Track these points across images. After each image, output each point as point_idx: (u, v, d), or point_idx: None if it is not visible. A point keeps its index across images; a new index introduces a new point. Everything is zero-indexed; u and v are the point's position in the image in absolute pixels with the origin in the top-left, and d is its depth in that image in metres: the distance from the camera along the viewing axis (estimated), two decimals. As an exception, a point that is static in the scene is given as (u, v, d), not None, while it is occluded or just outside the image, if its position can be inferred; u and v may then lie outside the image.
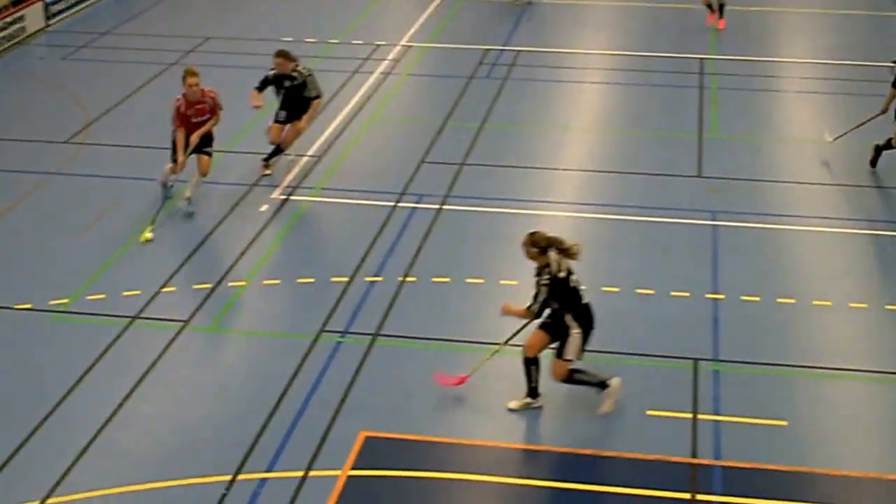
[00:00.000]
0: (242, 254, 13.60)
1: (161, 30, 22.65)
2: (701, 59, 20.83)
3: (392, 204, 14.87)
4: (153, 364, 11.36)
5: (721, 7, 22.71)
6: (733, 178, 15.75)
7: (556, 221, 14.30)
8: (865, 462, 10.02)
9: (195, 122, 14.36)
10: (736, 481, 9.70)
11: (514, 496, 9.65)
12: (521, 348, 10.49)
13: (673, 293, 12.71)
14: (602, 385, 10.43)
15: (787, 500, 9.47)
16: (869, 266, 13.57)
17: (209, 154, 14.60)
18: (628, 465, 9.89)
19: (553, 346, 10.35)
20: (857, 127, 16.36)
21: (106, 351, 11.58)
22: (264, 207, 14.79)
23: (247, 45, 21.52)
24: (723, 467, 9.86)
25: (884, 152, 15.74)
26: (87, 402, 10.75)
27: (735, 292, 12.72)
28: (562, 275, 10.04)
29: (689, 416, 10.55)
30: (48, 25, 22.85)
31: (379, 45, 21.48)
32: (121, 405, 10.68)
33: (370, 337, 11.84)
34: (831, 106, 18.72)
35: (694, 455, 10.02)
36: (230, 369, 11.55)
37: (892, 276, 13.31)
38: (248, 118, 16.61)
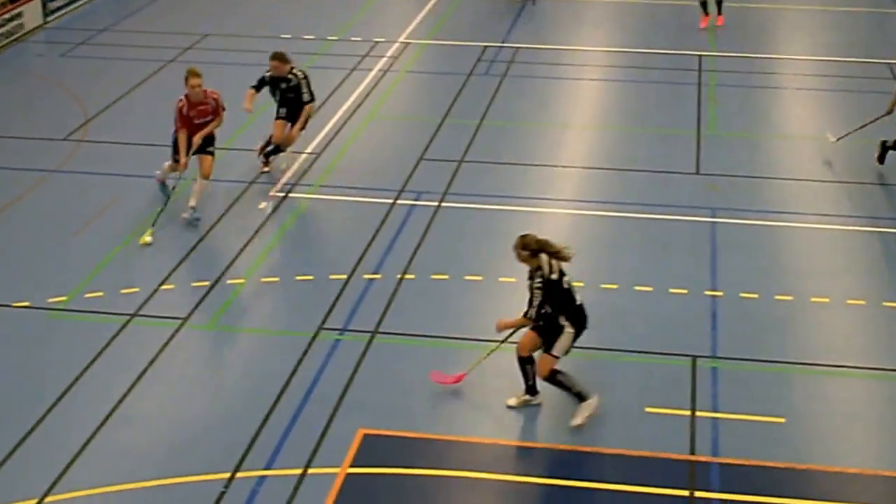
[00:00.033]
0: (241, 251, 13.59)
1: (160, 27, 22.62)
2: (699, 55, 20.80)
3: (391, 201, 14.86)
4: (152, 362, 11.36)
5: (719, 3, 22.67)
6: (732, 175, 15.74)
7: (554, 218, 14.30)
8: (863, 459, 10.02)
9: (197, 123, 14.20)
10: (734, 478, 9.70)
11: (513, 493, 9.65)
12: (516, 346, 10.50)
13: (671, 290, 12.71)
14: (580, 397, 10.30)
15: (786, 497, 9.48)
16: (867, 263, 13.55)
17: (212, 154, 14.43)
18: (626, 462, 9.89)
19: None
20: (861, 127, 16.20)
21: (104, 349, 11.58)
22: (263, 205, 14.78)
23: (245, 42, 21.50)
24: (721, 464, 9.86)
25: (890, 151, 15.53)
26: (86, 400, 10.75)
27: (734, 289, 12.71)
28: (554, 276, 9.99)
29: (688, 413, 10.55)
30: (46, 22, 22.81)
31: (377, 42, 21.47)
32: (119, 403, 10.68)
33: (369, 334, 11.84)
34: (831, 103, 18.71)
35: (692, 452, 10.02)
36: (229, 367, 11.56)
37: (890, 274, 13.31)
38: (246, 116, 16.57)
